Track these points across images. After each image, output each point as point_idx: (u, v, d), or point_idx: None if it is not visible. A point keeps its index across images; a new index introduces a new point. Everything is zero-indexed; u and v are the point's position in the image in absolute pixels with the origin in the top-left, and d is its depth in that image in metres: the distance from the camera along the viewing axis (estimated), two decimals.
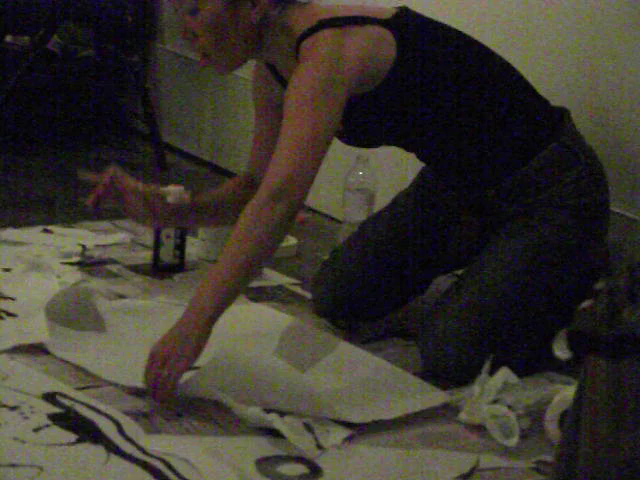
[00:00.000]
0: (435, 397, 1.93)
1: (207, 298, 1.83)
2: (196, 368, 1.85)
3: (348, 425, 1.82)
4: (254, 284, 2.40)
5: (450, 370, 2.00)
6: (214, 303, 1.83)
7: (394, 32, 2.00)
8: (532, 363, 2.05)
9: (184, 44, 2.00)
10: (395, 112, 2.03)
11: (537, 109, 2.09)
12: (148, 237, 2.62)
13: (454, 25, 2.10)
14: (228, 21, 1.97)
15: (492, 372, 1.89)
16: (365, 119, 2.05)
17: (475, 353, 1.98)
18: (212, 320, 1.83)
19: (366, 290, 2.24)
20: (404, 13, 2.05)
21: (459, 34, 2.09)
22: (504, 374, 1.88)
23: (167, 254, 2.50)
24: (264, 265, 2.17)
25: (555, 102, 2.14)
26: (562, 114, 2.11)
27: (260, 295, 2.41)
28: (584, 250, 2.06)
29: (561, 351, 0.61)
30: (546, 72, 2.39)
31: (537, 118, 2.07)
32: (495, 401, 1.85)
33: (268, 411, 1.81)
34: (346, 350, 2.12)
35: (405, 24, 2.02)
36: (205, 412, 1.85)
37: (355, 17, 1.99)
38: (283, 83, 2.10)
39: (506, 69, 2.09)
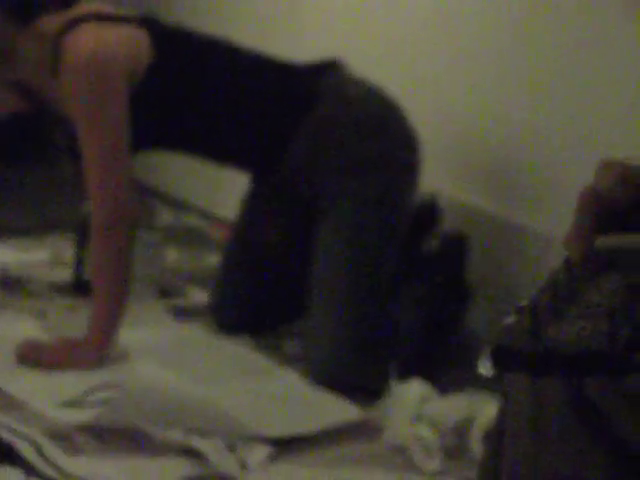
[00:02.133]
0: (350, 413, 1.93)
1: (95, 331, 2.01)
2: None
3: (270, 442, 1.80)
4: (178, 303, 2.39)
5: (338, 379, 2.00)
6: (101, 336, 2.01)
7: (148, 32, 2.04)
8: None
9: None
10: (157, 110, 2.07)
11: (285, 86, 2.12)
12: (70, 254, 2.57)
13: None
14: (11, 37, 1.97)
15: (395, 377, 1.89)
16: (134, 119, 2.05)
17: (351, 353, 2.00)
18: (101, 351, 2.00)
19: (257, 302, 2.26)
20: (151, 17, 2.11)
21: (205, 36, 2.14)
22: (418, 386, 1.87)
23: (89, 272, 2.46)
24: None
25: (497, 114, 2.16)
26: (323, 73, 2.12)
27: (185, 315, 2.38)
28: (392, 203, 2.07)
29: (485, 368, 0.60)
30: (488, 86, 2.41)
31: (287, 93, 2.11)
32: (417, 418, 1.84)
33: (190, 433, 1.79)
34: (263, 366, 2.11)
35: (152, 24, 2.07)
36: (127, 433, 1.82)
37: (109, 15, 2.02)
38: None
39: (252, 59, 2.13)
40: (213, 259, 2.65)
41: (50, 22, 2.01)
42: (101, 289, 2.02)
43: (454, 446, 1.82)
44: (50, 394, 1.88)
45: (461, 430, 1.83)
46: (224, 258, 2.34)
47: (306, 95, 2.11)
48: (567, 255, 0.64)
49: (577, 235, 0.62)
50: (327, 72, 2.12)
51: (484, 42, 2.15)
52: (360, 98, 2.10)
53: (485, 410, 1.82)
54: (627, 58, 2.08)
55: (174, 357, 2.12)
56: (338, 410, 1.94)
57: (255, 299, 2.26)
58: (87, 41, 1.96)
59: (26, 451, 1.73)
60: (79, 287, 2.45)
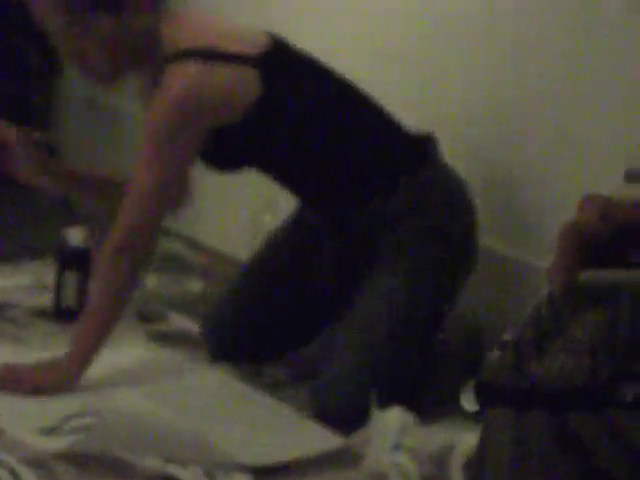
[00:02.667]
0: (330, 440, 1.92)
1: (78, 349, 2.01)
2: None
3: (249, 470, 1.79)
4: (160, 329, 2.37)
5: (344, 413, 1.98)
6: (81, 357, 2.01)
7: (261, 70, 2.02)
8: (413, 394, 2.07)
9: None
10: (258, 142, 2.06)
11: (393, 140, 2.12)
12: (50, 281, 2.56)
13: None
14: (114, 38, 1.98)
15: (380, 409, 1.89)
16: (224, 148, 2.07)
17: (367, 392, 1.97)
18: (81, 370, 2.01)
19: (262, 330, 2.23)
20: (274, 46, 2.07)
21: (323, 69, 2.12)
22: (399, 414, 1.87)
23: (70, 298, 2.44)
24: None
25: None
26: (426, 144, 2.13)
27: (165, 341, 2.37)
28: (451, 273, 2.10)
29: (468, 403, 0.60)
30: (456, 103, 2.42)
31: (393, 149, 2.11)
32: (396, 446, 1.83)
33: (169, 461, 1.78)
34: (243, 394, 2.10)
35: (274, 60, 2.05)
36: (105, 461, 1.80)
37: (223, 54, 2.00)
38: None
39: (365, 102, 2.12)
40: (193, 285, 2.65)
41: (167, 31, 2.01)
42: (96, 306, 2.01)
43: (433, 475, 1.82)
44: (29, 421, 1.87)
45: (441, 459, 1.83)
46: (237, 281, 2.31)
47: (415, 159, 2.11)
48: (549, 289, 0.64)
49: (559, 268, 0.63)
50: (429, 142, 2.13)
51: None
52: (453, 171, 2.13)
53: (465, 439, 1.82)
54: None
55: (153, 383, 2.11)
56: (318, 438, 1.93)
57: (261, 327, 2.23)
58: (186, 80, 1.96)
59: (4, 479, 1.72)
60: (59, 313, 2.43)
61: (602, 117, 2.14)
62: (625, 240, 0.62)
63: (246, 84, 2.01)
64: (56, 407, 1.96)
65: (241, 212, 2.75)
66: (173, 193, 2.04)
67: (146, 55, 2.04)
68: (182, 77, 1.97)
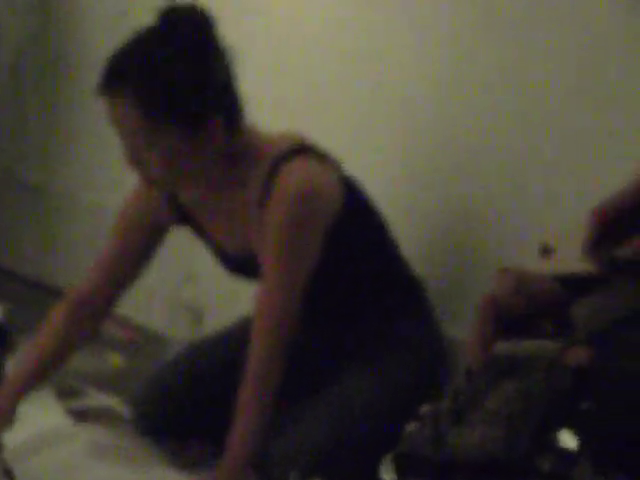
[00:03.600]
0: None
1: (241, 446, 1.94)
2: None
3: None
4: (79, 404, 2.34)
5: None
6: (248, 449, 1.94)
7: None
8: None
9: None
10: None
11: (400, 278, 2.15)
12: None
13: None
14: (184, 153, 1.92)
15: None
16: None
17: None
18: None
19: (194, 408, 2.21)
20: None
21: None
22: None
23: None
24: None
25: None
26: (420, 282, 2.18)
27: (85, 417, 2.34)
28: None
29: (387, 474, 0.61)
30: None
31: (397, 287, 2.14)
32: None
33: None
34: (161, 476, 2.08)
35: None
36: None
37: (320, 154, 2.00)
38: (183, 211, 2.11)
39: (388, 236, 2.14)
40: (112, 358, 2.62)
41: (255, 143, 1.99)
42: (246, 416, 1.94)
43: None
44: None
45: None
46: (185, 354, 2.28)
47: (410, 293, 2.16)
48: (468, 360, 0.65)
49: (477, 341, 0.64)
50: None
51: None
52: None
53: None
54: None
55: (67, 458, 2.08)
56: None
57: (194, 407, 2.20)
58: (300, 175, 1.94)
59: None
60: None
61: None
62: (538, 312, 0.63)
63: (336, 187, 2.00)
64: None
65: (162, 284, 2.74)
66: (300, 295, 1.97)
67: (223, 165, 1.99)
68: (294, 171, 1.94)
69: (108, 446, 2.17)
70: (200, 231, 2.15)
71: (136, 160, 1.92)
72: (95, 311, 2.15)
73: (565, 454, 0.60)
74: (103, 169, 2.97)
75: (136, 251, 2.13)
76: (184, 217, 2.14)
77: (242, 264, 2.11)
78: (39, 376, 2.13)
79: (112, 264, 2.14)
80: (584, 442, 0.61)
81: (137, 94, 1.87)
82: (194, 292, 2.65)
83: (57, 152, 3.27)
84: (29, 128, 3.38)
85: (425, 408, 0.62)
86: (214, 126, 1.92)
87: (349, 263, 2.07)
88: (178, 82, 1.88)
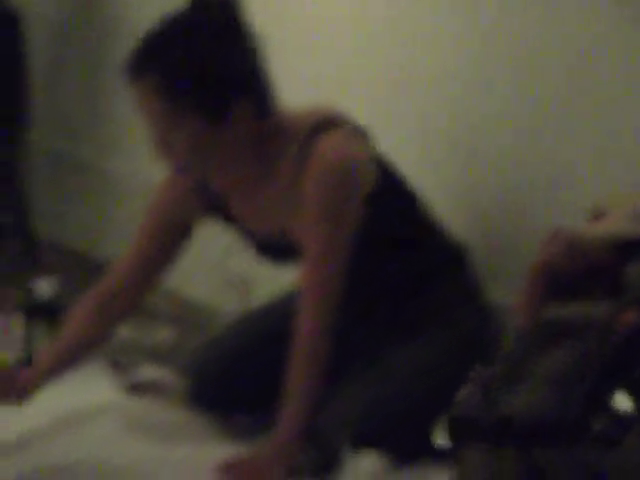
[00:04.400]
0: None
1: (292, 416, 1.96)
2: None
3: None
4: (131, 377, 2.37)
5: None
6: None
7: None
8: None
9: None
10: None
11: (440, 247, 2.14)
12: (19, 334, 2.54)
13: None
14: (208, 139, 1.93)
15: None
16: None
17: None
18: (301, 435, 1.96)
19: (245, 379, 2.22)
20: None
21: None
22: (371, 458, 1.86)
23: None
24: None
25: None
26: (462, 250, 2.17)
27: (137, 390, 2.36)
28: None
29: (441, 439, 0.61)
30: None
31: (438, 255, 2.13)
32: None
33: None
34: (211, 449, 2.09)
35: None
36: None
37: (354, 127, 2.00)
38: (219, 200, 2.10)
39: (422, 205, 2.13)
40: (164, 333, 2.64)
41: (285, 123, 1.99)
42: (298, 390, 1.96)
43: None
44: None
45: None
46: (225, 334, 2.29)
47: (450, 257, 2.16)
48: (517, 325, 0.65)
49: (526, 302, 0.64)
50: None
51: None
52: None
53: None
54: None
55: (108, 433, 2.10)
56: None
57: (244, 379, 2.21)
58: (333, 147, 1.94)
59: None
60: (30, 364, 2.42)
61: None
62: (589, 274, 0.63)
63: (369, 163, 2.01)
64: None
65: (208, 257, 2.75)
66: (345, 264, 1.97)
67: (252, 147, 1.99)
68: (330, 142, 1.94)
69: (155, 422, 2.19)
70: (230, 217, 2.15)
71: (163, 144, 1.93)
72: (119, 309, 2.15)
73: (619, 418, 0.60)
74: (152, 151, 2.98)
75: (161, 252, 2.14)
76: (213, 205, 2.14)
77: (275, 247, 2.11)
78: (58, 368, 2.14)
79: (137, 264, 2.15)
80: (638, 407, 0.61)
81: (162, 78, 1.88)
82: (241, 264, 2.66)
83: (107, 133, 3.29)
84: (81, 109, 3.40)
85: (475, 373, 0.62)
86: (241, 110, 1.92)
87: (387, 232, 2.06)
88: (203, 67, 1.89)
